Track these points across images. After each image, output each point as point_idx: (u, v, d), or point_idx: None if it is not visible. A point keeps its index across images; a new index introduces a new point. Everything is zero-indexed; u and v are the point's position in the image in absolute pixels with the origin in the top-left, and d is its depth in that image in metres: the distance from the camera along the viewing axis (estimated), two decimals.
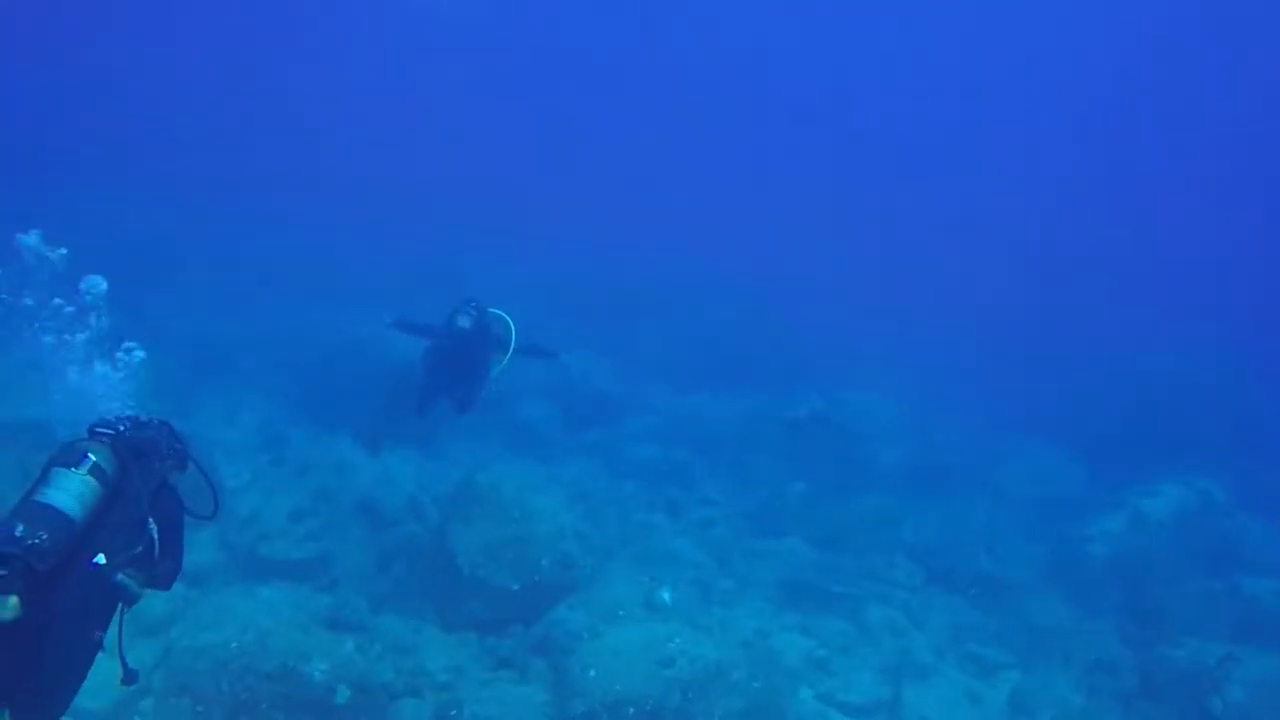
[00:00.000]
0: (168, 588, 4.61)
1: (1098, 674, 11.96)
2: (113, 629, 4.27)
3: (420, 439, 16.15)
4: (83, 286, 5.73)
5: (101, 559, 4.09)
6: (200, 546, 11.18)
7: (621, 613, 10.35)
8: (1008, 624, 13.08)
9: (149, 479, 4.53)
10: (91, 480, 4.17)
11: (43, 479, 4.14)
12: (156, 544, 4.43)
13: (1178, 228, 38.79)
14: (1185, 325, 24.65)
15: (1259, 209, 39.09)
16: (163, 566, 4.51)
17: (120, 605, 4.26)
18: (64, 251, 5.74)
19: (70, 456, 4.22)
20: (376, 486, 13.24)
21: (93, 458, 4.24)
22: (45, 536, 3.87)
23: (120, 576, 4.15)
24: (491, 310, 11.42)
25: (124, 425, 4.59)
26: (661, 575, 12.03)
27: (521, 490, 11.60)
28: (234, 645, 8.80)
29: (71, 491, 4.09)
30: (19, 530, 3.86)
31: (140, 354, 5.71)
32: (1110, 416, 19.66)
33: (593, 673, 9.23)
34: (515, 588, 10.78)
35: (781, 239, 33.48)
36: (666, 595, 11.13)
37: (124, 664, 4.40)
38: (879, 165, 47.72)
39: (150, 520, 4.43)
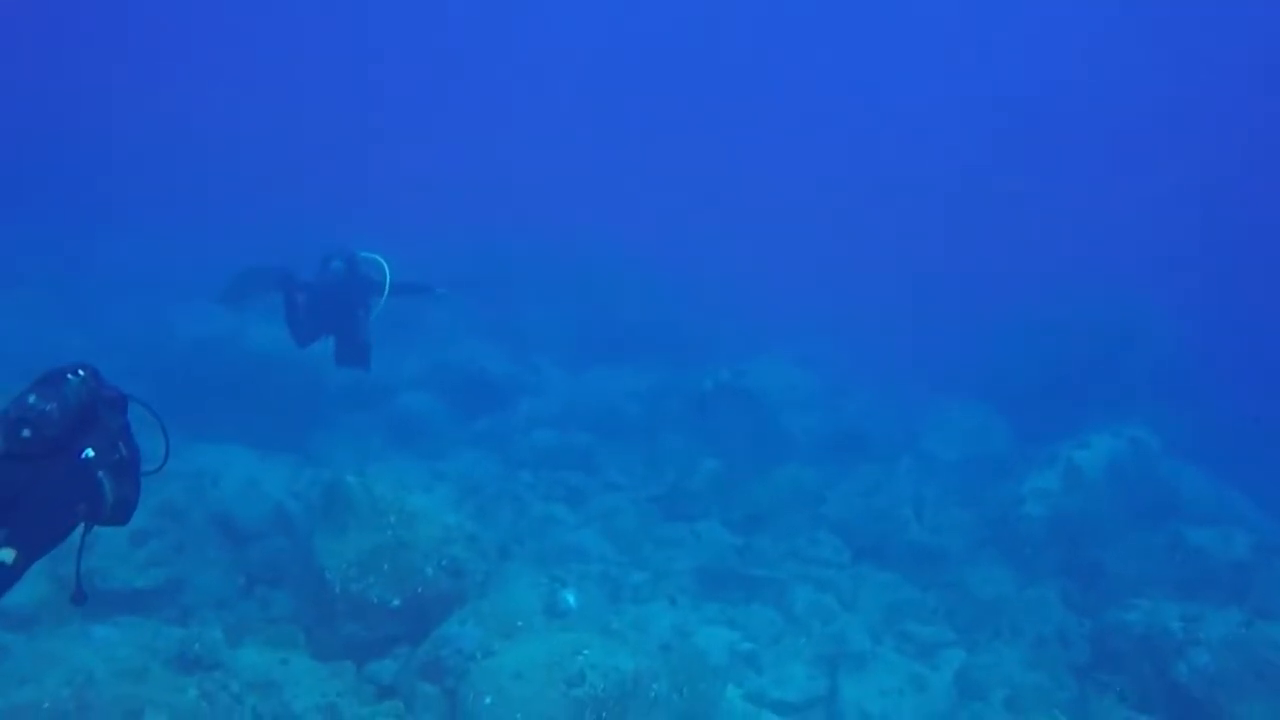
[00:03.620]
0: (126, 520, 4.81)
1: (1048, 646, 10.99)
2: (72, 554, 4.61)
3: (294, 442, 14.59)
4: None
5: (90, 453, 4.47)
6: (25, 582, 9.48)
7: (520, 623, 8.97)
8: (945, 598, 12.08)
9: (115, 418, 4.78)
10: (82, 387, 4.51)
11: (40, 380, 4.48)
12: (127, 462, 4.72)
13: (1090, 177, 38.78)
14: (1099, 273, 24.10)
15: (1168, 156, 39.33)
16: (126, 490, 4.72)
17: (83, 525, 4.56)
18: None
19: (62, 369, 4.55)
20: (239, 497, 11.63)
21: (83, 373, 4.58)
22: (54, 407, 4.34)
23: (101, 474, 4.51)
24: (364, 254, 11.11)
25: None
26: (564, 574, 10.70)
27: (398, 490, 10.12)
28: (47, 705, 7.25)
29: (70, 386, 4.47)
30: (31, 399, 4.35)
31: None
32: (1031, 370, 18.84)
33: (489, 699, 7.89)
34: (396, 603, 9.31)
35: (683, 207, 32.28)
36: (571, 598, 9.81)
37: (78, 581, 4.70)
38: (787, 126, 46.99)
39: (120, 442, 4.72)
